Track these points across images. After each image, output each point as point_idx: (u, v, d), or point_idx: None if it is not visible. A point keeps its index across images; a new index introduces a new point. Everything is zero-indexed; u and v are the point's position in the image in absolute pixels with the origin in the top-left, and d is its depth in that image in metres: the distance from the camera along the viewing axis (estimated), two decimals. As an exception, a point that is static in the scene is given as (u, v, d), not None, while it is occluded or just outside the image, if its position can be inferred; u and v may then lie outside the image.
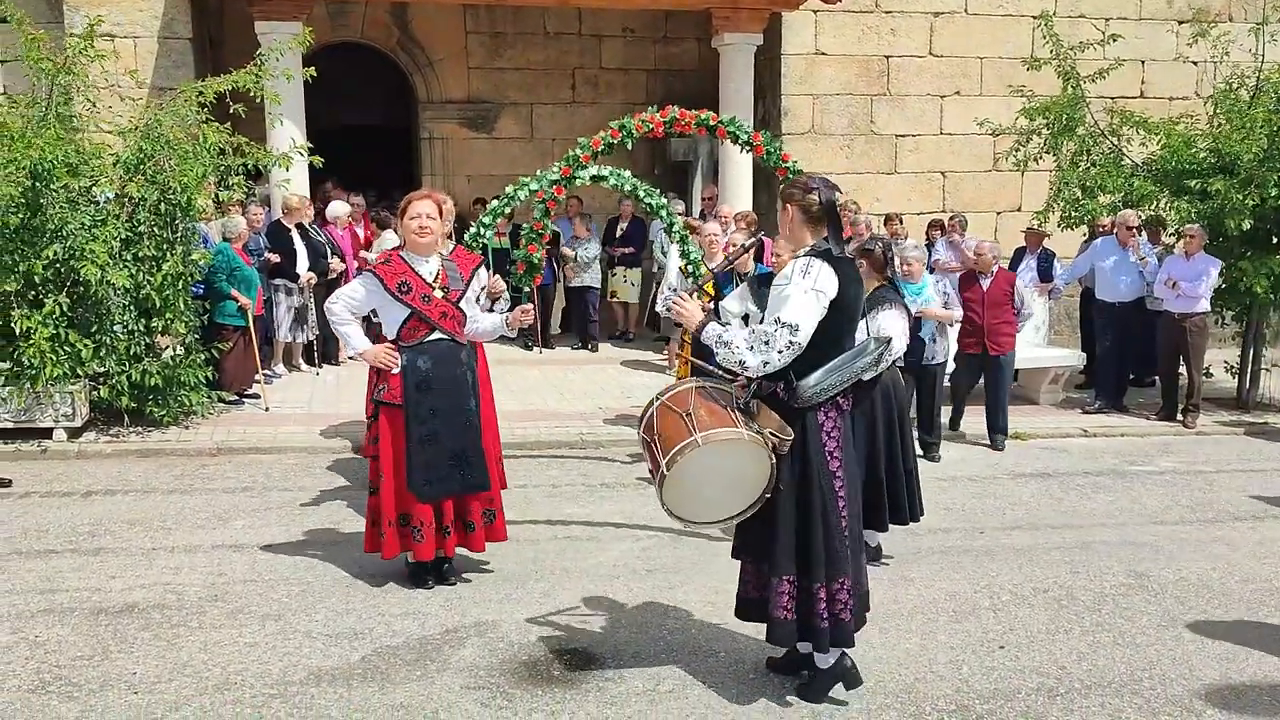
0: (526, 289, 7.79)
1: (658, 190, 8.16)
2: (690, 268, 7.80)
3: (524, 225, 8.47)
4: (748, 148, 7.98)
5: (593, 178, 7.60)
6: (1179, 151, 9.90)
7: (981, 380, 8.61)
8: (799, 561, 3.90)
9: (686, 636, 4.69)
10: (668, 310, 6.16)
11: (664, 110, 7.71)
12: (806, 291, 3.73)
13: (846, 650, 4.05)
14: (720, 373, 4.07)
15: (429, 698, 4.09)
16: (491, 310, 5.82)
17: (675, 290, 6.84)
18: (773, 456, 3.85)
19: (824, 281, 3.76)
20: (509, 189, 7.69)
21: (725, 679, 4.27)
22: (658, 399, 4.02)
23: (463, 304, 5.08)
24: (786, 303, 3.75)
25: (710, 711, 4.02)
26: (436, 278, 5.00)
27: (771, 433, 3.82)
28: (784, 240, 4.15)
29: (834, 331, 3.84)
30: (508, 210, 7.66)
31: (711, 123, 7.72)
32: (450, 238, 5.82)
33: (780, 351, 3.74)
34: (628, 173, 7.89)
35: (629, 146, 7.81)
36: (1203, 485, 7.63)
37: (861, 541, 4.16)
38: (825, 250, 3.86)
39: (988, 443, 8.57)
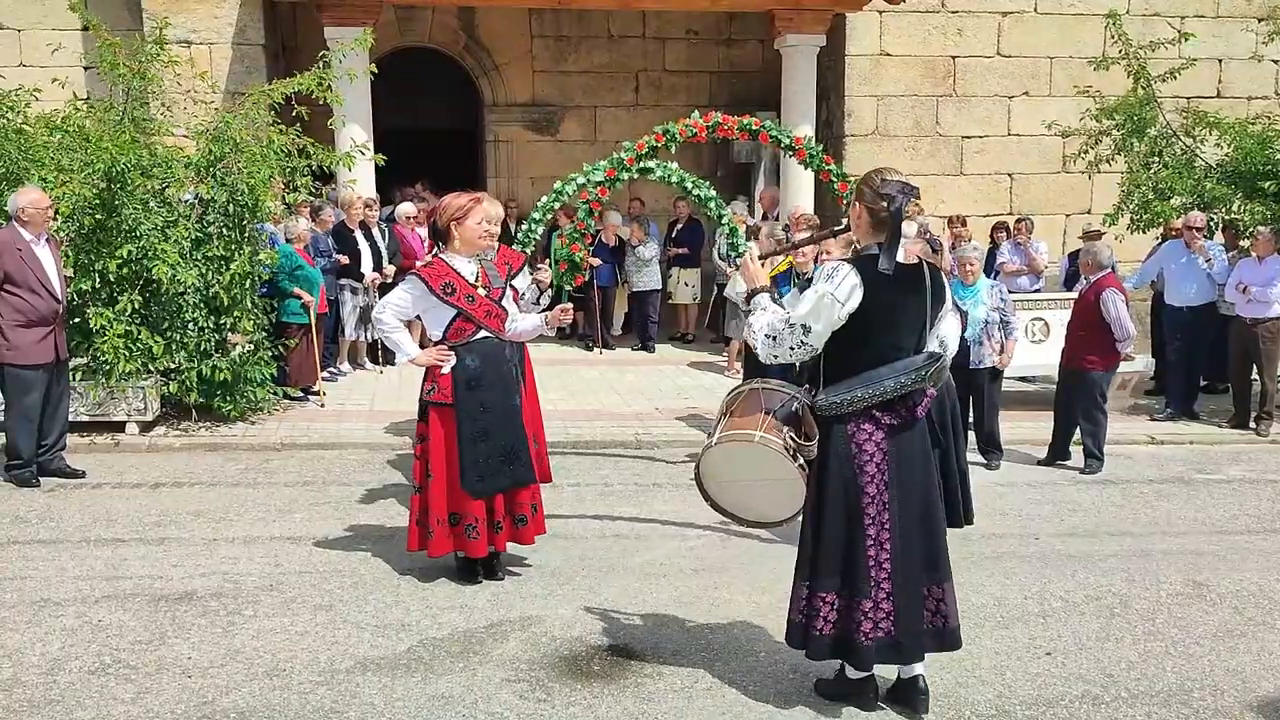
0: (568, 288, 7.86)
1: (706, 183, 8.15)
2: (734, 255, 7.78)
3: (568, 225, 8.55)
4: (789, 151, 7.94)
5: (640, 170, 7.61)
6: (1253, 153, 9.63)
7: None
8: (809, 566, 3.86)
9: (728, 636, 4.71)
10: (735, 292, 6.16)
11: (707, 115, 7.70)
12: (822, 296, 3.67)
13: (873, 674, 3.96)
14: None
15: (469, 689, 4.16)
16: (539, 304, 5.87)
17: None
18: (801, 463, 3.84)
19: (843, 289, 3.66)
20: (558, 184, 7.76)
21: (763, 680, 4.27)
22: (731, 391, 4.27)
23: (503, 302, 5.16)
24: (801, 303, 3.75)
25: (746, 710, 4.03)
26: (477, 277, 5.08)
27: (792, 437, 3.81)
28: (853, 236, 4.04)
29: (860, 342, 3.74)
30: (557, 205, 7.72)
31: (754, 127, 7.68)
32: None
33: (792, 349, 3.72)
34: (675, 164, 7.89)
35: (673, 150, 7.81)
36: (1272, 495, 7.40)
37: (910, 569, 3.81)
38: (868, 257, 3.75)
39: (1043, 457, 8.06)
